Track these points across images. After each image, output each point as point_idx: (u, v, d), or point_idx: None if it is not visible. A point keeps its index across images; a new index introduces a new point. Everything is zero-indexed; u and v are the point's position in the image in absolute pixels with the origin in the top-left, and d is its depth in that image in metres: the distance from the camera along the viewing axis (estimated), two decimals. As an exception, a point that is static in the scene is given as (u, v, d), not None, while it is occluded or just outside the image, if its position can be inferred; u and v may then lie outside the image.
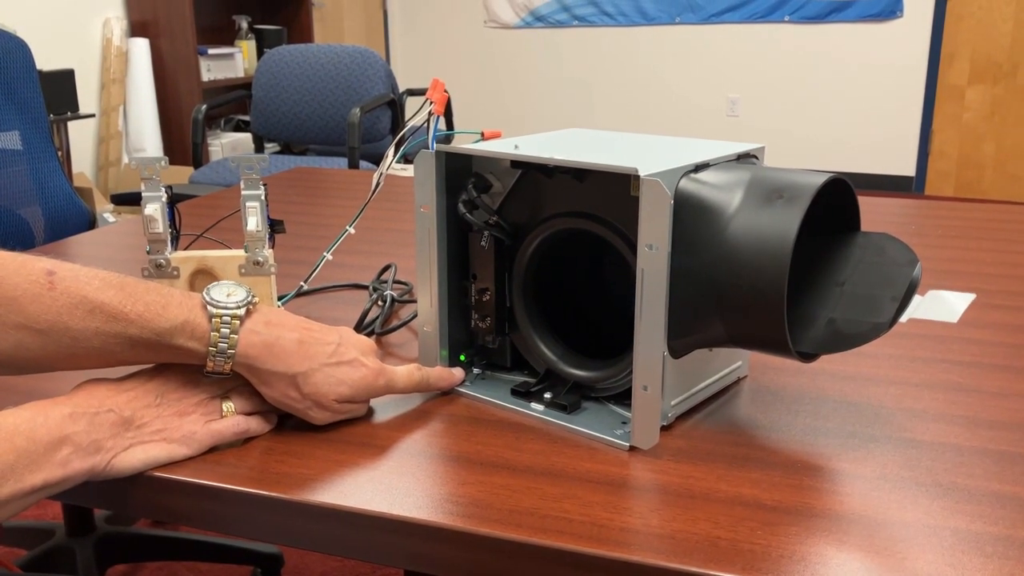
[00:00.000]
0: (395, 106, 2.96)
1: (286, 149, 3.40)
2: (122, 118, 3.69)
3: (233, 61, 4.08)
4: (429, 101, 0.76)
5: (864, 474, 0.58)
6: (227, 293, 0.61)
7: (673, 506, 0.54)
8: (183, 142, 3.76)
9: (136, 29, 3.74)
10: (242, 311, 0.60)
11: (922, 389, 0.70)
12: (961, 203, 1.37)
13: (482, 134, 0.78)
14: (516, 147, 0.67)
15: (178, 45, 3.74)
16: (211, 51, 3.91)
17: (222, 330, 0.59)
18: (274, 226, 0.72)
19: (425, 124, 0.75)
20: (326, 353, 0.62)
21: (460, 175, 0.69)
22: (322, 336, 0.63)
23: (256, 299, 0.61)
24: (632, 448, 0.61)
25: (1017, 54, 3.83)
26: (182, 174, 3.20)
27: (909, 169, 4.35)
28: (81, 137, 3.52)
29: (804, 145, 4.55)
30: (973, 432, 0.63)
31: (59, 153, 3.17)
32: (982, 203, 1.34)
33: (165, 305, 0.59)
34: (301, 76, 3.01)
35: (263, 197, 0.70)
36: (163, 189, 0.70)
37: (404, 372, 0.66)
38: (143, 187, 0.69)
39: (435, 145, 0.68)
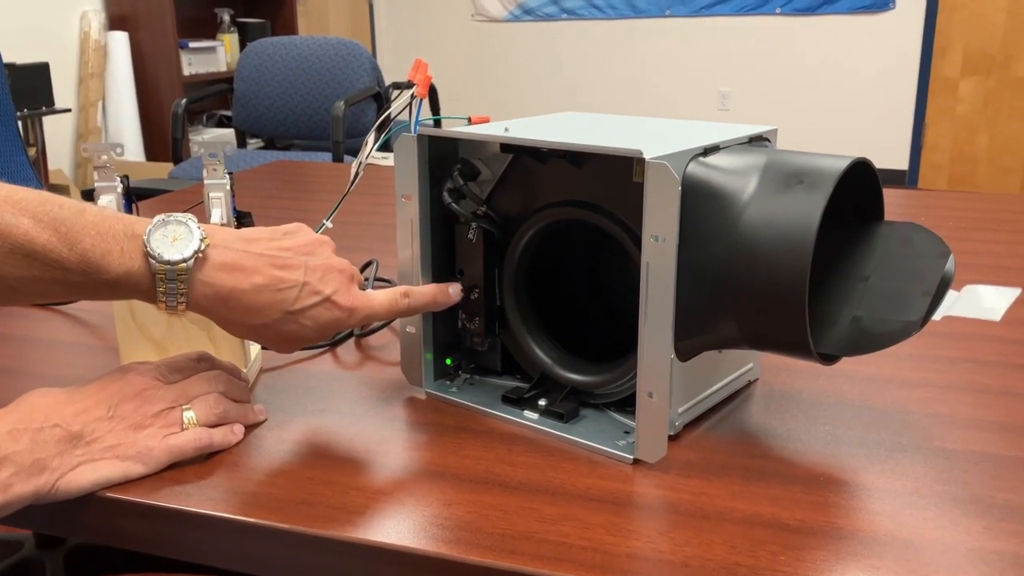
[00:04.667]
0: (381, 99, 2.90)
1: (270, 145, 3.32)
2: (101, 113, 3.61)
3: (215, 55, 4.00)
4: (411, 83, 0.70)
5: (894, 489, 0.52)
6: (172, 238, 0.54)
7: (685, 527, 0.48)
8: (164, 138, 3.67)
9: (115, 22, 3.66)
10: (190, 263, 0.53)
11: (949, 392, 0.64)
12: (964, 194, 1.32)
13: (469, 119, 0.72)
14: (506, 130, 0.61)
15: (158, 39, 3.65)
16: (192, 45, 3.83)
17: (168, 285, 0.53)
18: (241, 219, 0.66)
19: (408, 109, 0.69)
20: (289, 299, 0.56)
21: (445, 162, 0.63)
22: (286, 276, 0.56)
23: (207, 243, 0.55)
24: (636, 461, 0.55)
25: (1010, 46, 3.79)
26: (162, 170, 3.13)
27: (902, 163, 4.31)
28: (58, 133, 3.43)
29: (795, 139, 4.51)
30: (1009, 440, 0.57)
31: (34, 148, 3.09)
32: (988, 195, 1.29)
33: (104, 253, 0.53)
34: (284, 69, 2.93)
35: (228, 187, 0.64)
36: (118, 179, 0.64)
37: (386, 302, 0.60)
38: (95, 177, 0.63)
39: (418, 128, 0.62)
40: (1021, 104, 3.81)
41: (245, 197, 1.34)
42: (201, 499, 0.52)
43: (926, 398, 0.63)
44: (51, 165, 3.28)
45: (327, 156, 2.71)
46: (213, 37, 4.08)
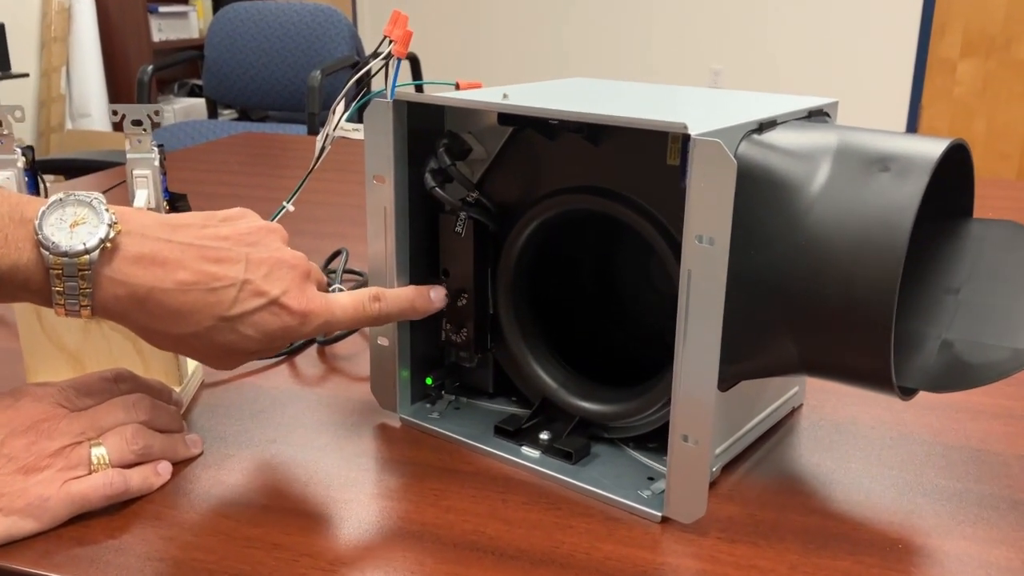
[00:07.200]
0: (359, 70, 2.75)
1: (244, 116, 3.16)
2: (64, 80, 3.43)
3: (187, 21, 3.82)
4: (388, 40, 0.57)
5: (995, 561, 0.41)
6: (73, 222, 0.42)
7: (735, 618, 0.37)
8: (132, 107, 3.49)
9: (80, -16, 3.46)
10: (95, 254, 0.41)
11: (1036, 425, 0.53)
12: (989, 181, 1.21)
13: (456, 85, 0.60)
14: (505, 97, 0.48)
15: (126, 2, 3.47)
16: (162, 9, 3.65)
17: (67, 283, 0.41)
18: (175, 203, 0.53)
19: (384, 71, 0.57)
20: (225, 302, 0.44)
21: (428, 136, 0.51)
22: (221, 271, 0.44)
23: (118, 229, 0.42)
24: (665, 518, 0.44)
25: (1012, 27, 3.69)
26: (128, 141, 2.97)
27: (893, 146, 4.19)
28: (16, 100, 3.25)
29: (787, 119, 4.38)
30: (1122, 491, 0.47)
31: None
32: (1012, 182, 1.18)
33: None
34: (258, 35, 2.77)
35: (157, 163, 0.51)
36: (19, 151, 0.51)
37: (351, 307, 0.48)
38: (-12, 146, 0.50)
39: (395, 93, 0.50)
40: (1021, 88, 3.72)
41: (202, 173, 1.20)
42: (108, 568, 0.40)
43: (1009, 433, 0.52)
44: (10, 134, 3.10)
45: (303, 129, 2.57)
46: (185, 2, 3.89)
